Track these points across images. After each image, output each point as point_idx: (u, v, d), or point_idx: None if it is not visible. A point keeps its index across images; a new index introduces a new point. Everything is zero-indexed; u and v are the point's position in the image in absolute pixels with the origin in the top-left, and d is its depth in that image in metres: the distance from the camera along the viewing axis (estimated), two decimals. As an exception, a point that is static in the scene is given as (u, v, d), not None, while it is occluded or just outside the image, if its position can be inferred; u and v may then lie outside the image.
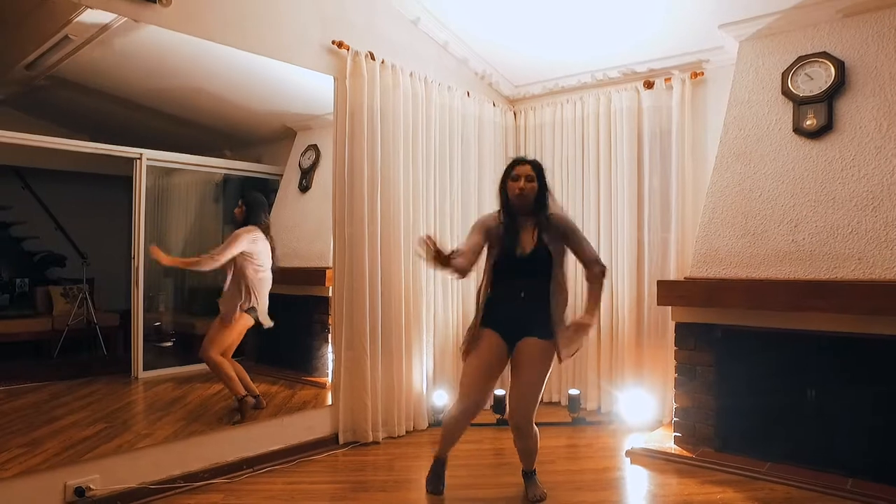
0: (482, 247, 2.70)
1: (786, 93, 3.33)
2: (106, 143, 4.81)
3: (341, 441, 3.55)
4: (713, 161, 3.61)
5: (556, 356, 2.67)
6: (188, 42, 3.99)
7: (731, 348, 3.32)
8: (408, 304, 3.82)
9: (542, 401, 4.42)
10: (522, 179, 2.67)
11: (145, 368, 5.02)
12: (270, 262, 3.83)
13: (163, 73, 4.62)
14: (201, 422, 3.40)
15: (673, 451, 3.35)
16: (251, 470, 3.11)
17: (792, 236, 3.16)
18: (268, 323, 3.74)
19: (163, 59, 4.41)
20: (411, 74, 3.89)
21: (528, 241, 2.68)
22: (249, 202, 3.96)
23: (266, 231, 3.82)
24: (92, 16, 3.65)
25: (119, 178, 5.04)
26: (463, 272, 2.58)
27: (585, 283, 2.81)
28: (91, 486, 2.58)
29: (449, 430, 2.81)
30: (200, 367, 4.99)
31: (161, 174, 5.91)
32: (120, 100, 5.29)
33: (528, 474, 2.84)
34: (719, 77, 3.90)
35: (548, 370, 2.70)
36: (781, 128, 3.33)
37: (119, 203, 4.92)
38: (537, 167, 2.73)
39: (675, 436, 3.45)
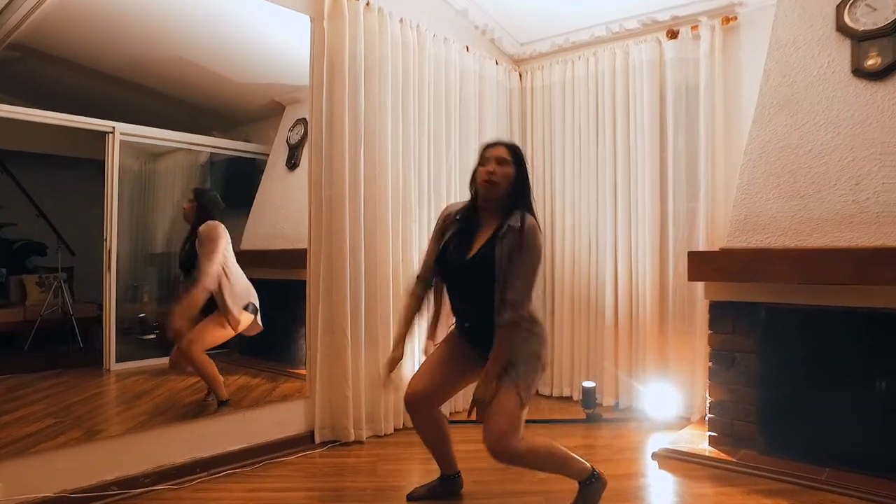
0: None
1: (841, 28, 2.80)
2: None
3: (318, 440, 3.05)
4: (749, 117, 3.10)
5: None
6: (161, 3, 3.57)
7: (778, 331, 2.80)
8: (396, 282, 3.30)
9: (552, 395, 3.92)
10: (493, 162, 2.10)
11: (121, 360, 4.59)
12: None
13: (138, 40, 4.18)
14: (166, 416, 2.95)
15: (708, 454, 2.83)
16: (206, 473, 2.62)
17: (853, 196, 2.63)
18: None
19: (136, 25, 3.98)
20: (401, 20, 3.39)
21: (478, 244, 2.12)
22: (205, 200, 3.45)
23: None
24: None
25: (102, 163, 4.63)
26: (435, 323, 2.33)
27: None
28: (-8, 496, 2.10)
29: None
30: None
31: (147, 158, 5.49)
32: (94, 71, 4.85)
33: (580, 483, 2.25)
34: (756, 21, 3.39)
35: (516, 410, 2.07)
36: (836, 70, 2.81)
37: (101, 189, 4.53)
38: (514, 150, 2.17)
39: (709, 435, 2.93)
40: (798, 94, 2.90)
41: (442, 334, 2.41)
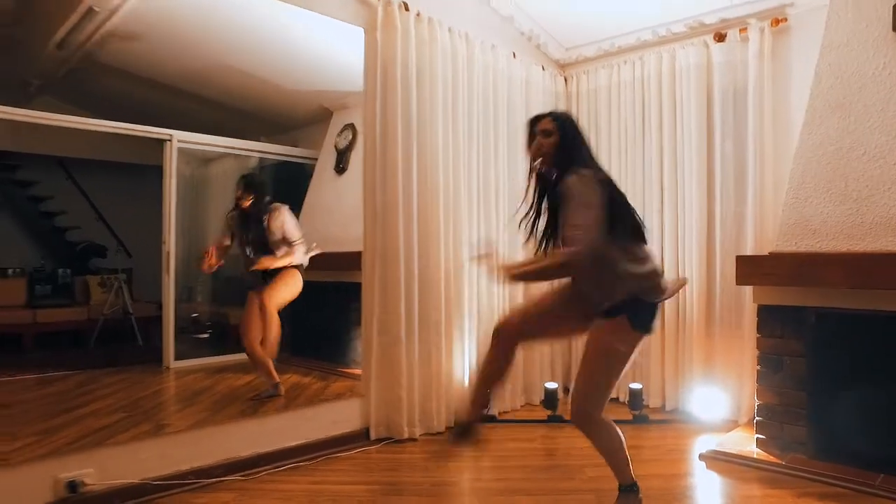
0: None
1: (898, 29, 2.78)
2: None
3: (373, 437, 3.18)
4: (799, 120, 3.09)
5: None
6: (215, 14, 3.75)
7: (827, 335, 2.80)
8: (448, 285, 3.41)
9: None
10: (537, 137, 2.10)
11: (178, 358, 4.84)
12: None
13: (193, 52, 4.40)
14: (226, 413, 3.14)
15: (756, 456, 2.86)
16: (270, 467, 2.77)
17: (907, 200, 2.63)
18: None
19: (193, 38, 4.20)
20: (450, 30, 3.49)
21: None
22: (258, 186, 3.60)
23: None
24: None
25: (158, 169, 4.88)
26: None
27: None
28: (85, 481, 2.28)
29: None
30: (232, 357, 4.77)
31: (199, 164, 5.75)
32: (153, 82, 5.12)
33: (622, 489, 2.19)
34: (807, 23, 3.37)
35: (607, 361, 2.10)
36: (892, 71, 2.79)
37: (160, 194, 4.78)
38: (555, 117, 2.13)
39: (757, 438, 2.95)
40: (851, 96, 2.89)
41: None
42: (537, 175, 2.14)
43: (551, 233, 2.14)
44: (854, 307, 2.69)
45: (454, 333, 3.46)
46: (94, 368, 4.73)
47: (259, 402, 3.30)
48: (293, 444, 2.91)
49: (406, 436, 3.19)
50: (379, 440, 3.18)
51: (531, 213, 2.18)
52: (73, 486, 2.26)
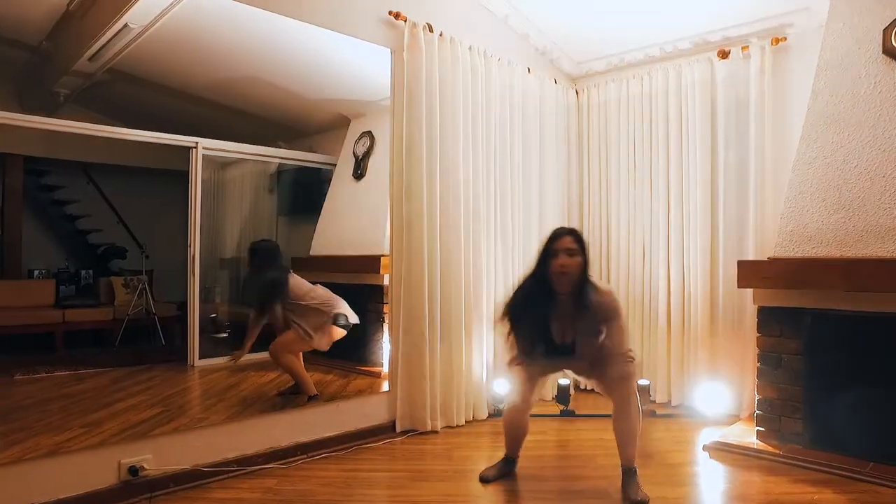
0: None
1: (888, 51, 2.99)
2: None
3: (398, 429, 3.40)
4: (797, 134, 3.30)
5: None
6: (242, 30, 3.95)
7: (823, 335, 3.01)
8: (468, 288, 3.64)
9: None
10: (563, 255, 2.43)
11: (201, 357, 5.05)
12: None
13: (219, 62, 4.62)
14: (255, 408, 3.36)
15: (756, 447, 3.07)
16: (306, 456, 3.00)
17: (895, 210, 2.84)
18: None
19: (218, 50, 4.40)
20: (470, 48, 3.71)
21: (567, 328, 2.53)
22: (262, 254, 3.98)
23: None
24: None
25: (177, 173, 5.10)
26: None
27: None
28: (145, 466, 2.51)
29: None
30: (254, 356, 4.99)
31: (217, 168, 5.97)
32: (177, 92, 5.34)
33: (627, 472, 2.56)
34: (805, 42, 3.58)
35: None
36: (882, 90, 3.00)
37: (177, 197, 4.98)
38: (578, 238, 2.49)
39: (757, 430, 3.17)
40: (844, 113, 3.11)
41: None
42: (553, 284, 2.46)
43: (556, 335, 2.54)
44: (847, 309, 2.90)
45: (473, 334, 3.68)
46: (123, 367, 4.95)
47: (286, 398, 3.51)
48: (327, 434, 3.14)
49: (429, 428, 3.41)
50: (404, 432, 3.40)
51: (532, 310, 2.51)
52: (133, 470, 2.49)
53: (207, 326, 5.94)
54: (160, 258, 6.98)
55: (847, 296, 2.88)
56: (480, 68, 3.76)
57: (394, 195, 3.45)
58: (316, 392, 3.55)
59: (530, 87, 4.14)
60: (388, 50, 3.43)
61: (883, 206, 2.88)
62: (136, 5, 3.76)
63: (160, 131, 4.91)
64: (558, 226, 2.85)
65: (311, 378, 3.65)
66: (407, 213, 3.42)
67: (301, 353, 3.68)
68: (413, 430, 3.42)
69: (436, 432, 3.44)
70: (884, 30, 3.02)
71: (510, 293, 2.67)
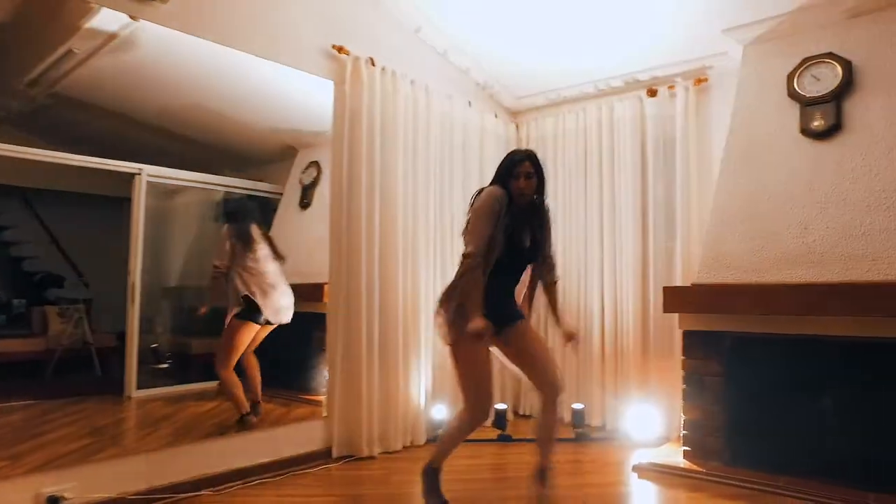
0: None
1: (792, 95, 3.26)
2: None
3: (335, 455, 3.40)
4: (719, 167, 3.53)
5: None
6: (189, 57, 3.99)
7: (741, 357, 3.18)
8: (406, 316, 3.70)
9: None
10: (523, 178, 2.59)
11: (139, 388, 4.92)
12: None
13: (165, 90, 4.62)
14: (191, 437, 3.30)
15: (682, 466, 3.19)
16: (241, 482, 2.97)
17: (802, 238, 3.06)
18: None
19: (165, 76, 4.41)
20: (412, 82, 3.84)
21: (526, 235, 2.65)
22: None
23: None
24: (98, 21, 3.63)
25: (119, 200, 5.01)
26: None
27: (540, 290, 2.76)
28: (66, 496, 2.44)
29: (453, 439, 2.67)
30: (194, 385, 4.89)
31: (162, 196, 5.89)
32: (121, 117, 5.28)
33: (543, 472, 2.61)
34: (724, 83, 3.84)
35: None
36: (788, 130, 3.26)
37: (119, 225, 4.88)
38: (535, 161, 2.64)
39: (683, 450, 3.29)
40: (757, 150, 3.35)
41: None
42: (525, 204, 2.64)
43: (531, 246, 2.68)
44: (762, 331, 3.08)
45: (411, 359, 3.73)
46: (53, 398, 4.77)
47: (243, 425, 3.45)
48: (261, 461, 3.11)
49: (366, 454, 3.42)
50: (340, 458, 3.40)
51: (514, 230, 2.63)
52: (53, 500, 2.42)
53: (148, 357, 5.78)
54: (100, 287, 6.77)
55: (762, 319, 3.06)
56: (422, 101, 3.89)
57: (333, 224, 3.51)
58: (248, 410, 3.54)
59: (471, 120, 4.29)
60: (331, 82, 3.52)
61: (790, 235, 3.10)
62: (85, 26, 3.76)
63: (104, 157, 4.85)
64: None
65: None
66: (346, 244, 3.48)
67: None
68: (350, 456, 3.42)
69: (373, 458, 3.45)
70: (787, 75, 3.29)
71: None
